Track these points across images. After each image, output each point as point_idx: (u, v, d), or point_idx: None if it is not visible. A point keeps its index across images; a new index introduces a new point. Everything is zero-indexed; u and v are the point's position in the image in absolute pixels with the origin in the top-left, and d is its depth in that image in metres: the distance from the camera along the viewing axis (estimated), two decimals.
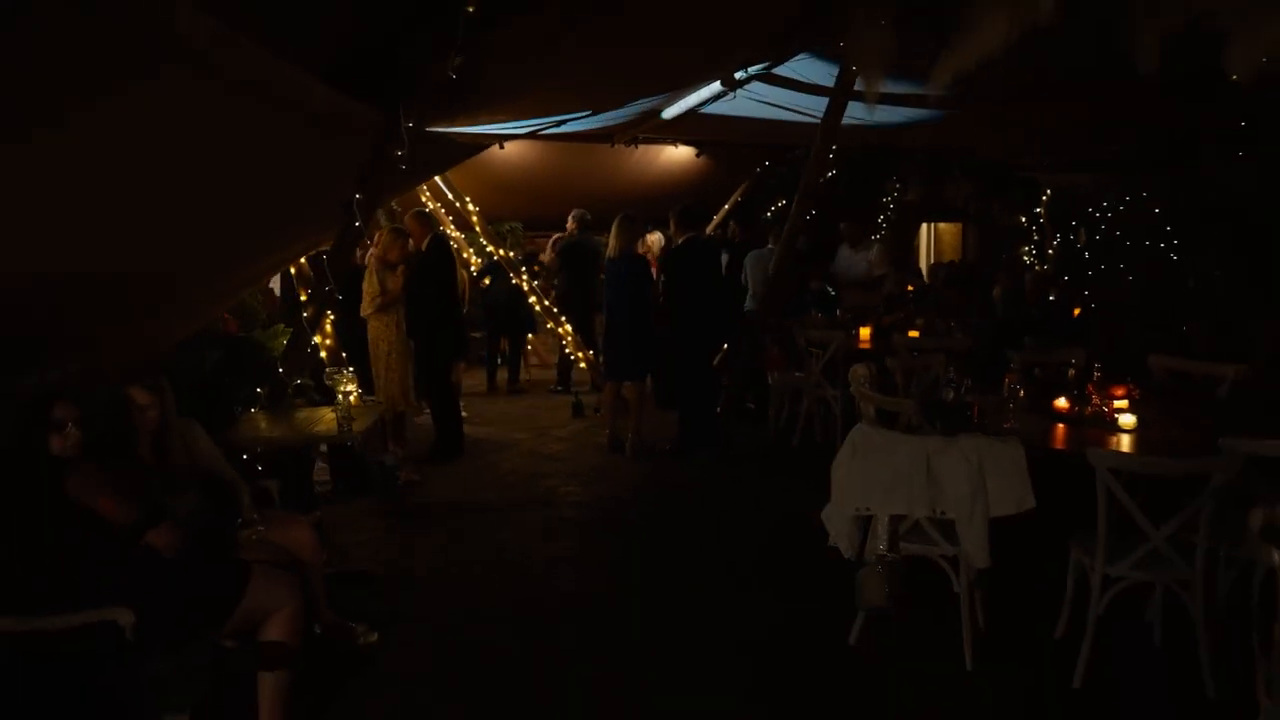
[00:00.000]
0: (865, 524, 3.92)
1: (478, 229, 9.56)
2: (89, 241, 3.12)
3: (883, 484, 3.75)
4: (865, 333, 7.67)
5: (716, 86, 7.36)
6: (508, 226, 11.38)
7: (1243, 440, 3.70)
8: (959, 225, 15.66)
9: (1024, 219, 11.16)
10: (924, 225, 16.62)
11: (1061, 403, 4.68)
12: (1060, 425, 4.47)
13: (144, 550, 2.91)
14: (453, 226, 9.57)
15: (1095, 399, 4.66)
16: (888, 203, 13.73)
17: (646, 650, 4.10)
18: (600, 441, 7.81)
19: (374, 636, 4.01)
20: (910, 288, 11.18)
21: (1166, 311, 7.08)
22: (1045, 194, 9.39)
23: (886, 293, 10.42)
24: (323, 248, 6.02)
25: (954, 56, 2.71)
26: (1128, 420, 4.35)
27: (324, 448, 6.01)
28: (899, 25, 2.78)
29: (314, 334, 5.41)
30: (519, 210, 11.54)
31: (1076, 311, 8.82)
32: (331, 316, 6.18)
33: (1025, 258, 10.73)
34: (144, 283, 3.58)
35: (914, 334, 7.67)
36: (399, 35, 4.07)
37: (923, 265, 15.02)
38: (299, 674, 3.21)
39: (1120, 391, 4.67)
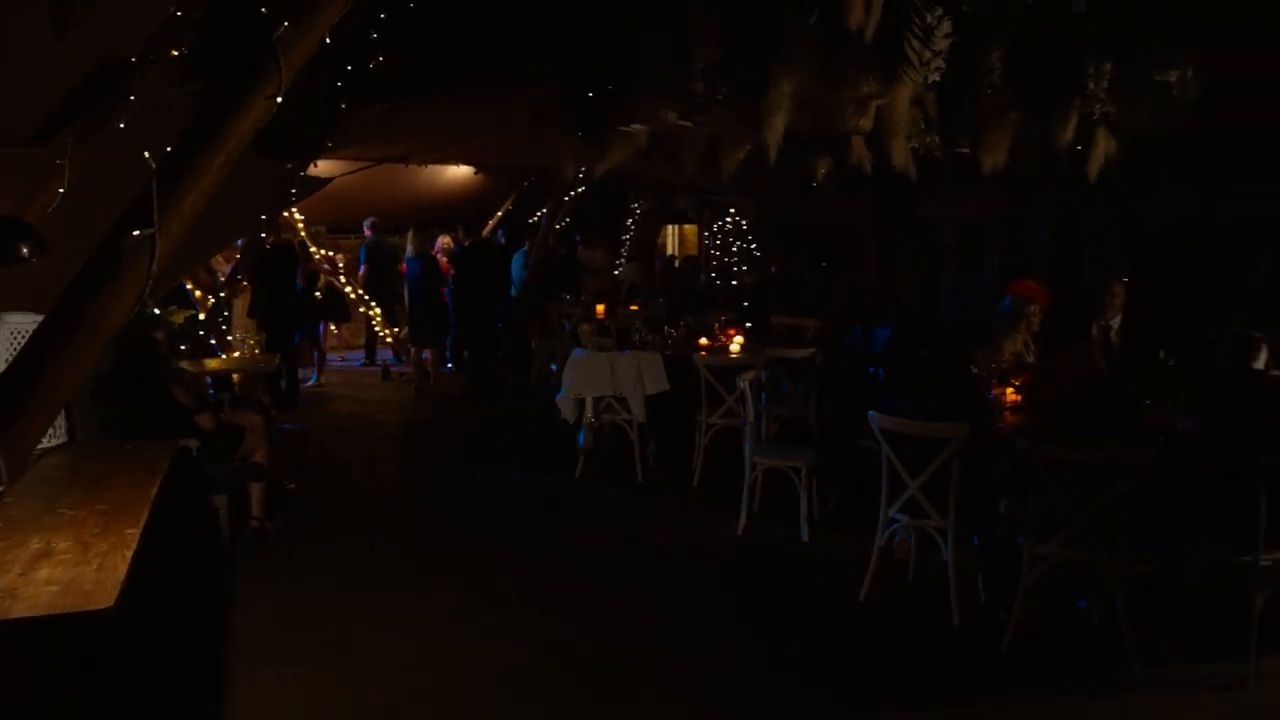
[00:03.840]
0: (580, 404, 7.00)
1: (303, 233, 11.88)
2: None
3: (588, 378, 6.85)
4: (600, 308, 10.84)
5: None
6: (314, 229, 13.64)
7: (773, 349, 7.10)
8: (696, 226, 19.21)
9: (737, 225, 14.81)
10: (669, 226, 20.24)
11: (703, 340, 7.99)
12: (702, 351, 7.71)
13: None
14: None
15: (722, 337, 8.00)
16: (635, 208, 17.13)
17: (444, 488, 7.03)
18: (408, 395, 10.53)
19: (293, 485, 6.63)
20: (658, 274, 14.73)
21: (788, 291, 10.74)
22: (729, 211, 12.96)
23: (631, 282, 13.82)
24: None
25: (604, 162, 5.72)
26: (735, 348, 7.67)
27: None
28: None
29: (226, 309, 7.92)
30: (325, 216, 13.79)
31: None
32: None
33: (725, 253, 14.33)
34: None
35: (634, 307, 10.95)
36: (301, 120, 6.72)
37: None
38: (269, 486, 5.86)
39: (733, 332, 8.03)
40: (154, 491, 3.83)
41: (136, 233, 2.00)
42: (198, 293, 8.63)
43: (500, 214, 15.21)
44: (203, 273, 9.09)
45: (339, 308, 12.18)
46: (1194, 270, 7.94)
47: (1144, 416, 4.70)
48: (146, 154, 2.05)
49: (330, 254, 12.17)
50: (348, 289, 12.22)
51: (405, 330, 11.88)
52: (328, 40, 2.82)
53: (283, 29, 2.30)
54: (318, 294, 11.09)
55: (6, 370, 1.96)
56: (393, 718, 3.77)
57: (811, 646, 4.40)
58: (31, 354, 2.03)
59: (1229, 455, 3.89)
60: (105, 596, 2.65)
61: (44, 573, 2.86)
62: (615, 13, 5.13)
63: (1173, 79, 4.76)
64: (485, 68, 6.14)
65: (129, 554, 3.00)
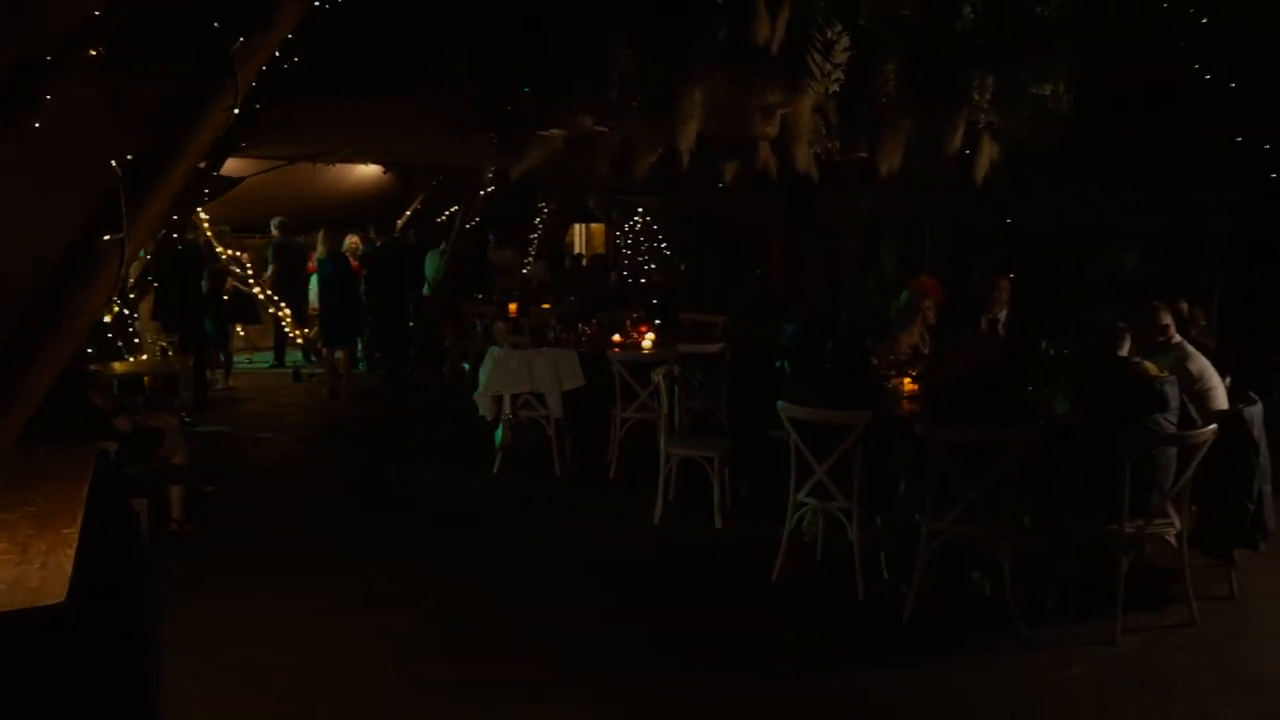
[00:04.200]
0: (498, 401, 7.15)
1: (208, 233, 11.68)
2: None
3: (506, 376, 7.00)
4: (513, 307, 10.97)
5: None
6: (218, 228, 13.38)
7: (684, 345, 7.37)
8: (603, 225, 19.47)
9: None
10: (577, 225, 20.43)
11: (616, 337, 8.22)
12: (615, 348, 7.94)
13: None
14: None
15: (634, 334, 8.25)
16: (541, 207, 17.27)
17: (361, 488, 7.11)
18: (321, 396, 10.49)
19: (211, 488, 6.62)
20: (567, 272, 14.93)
21: (697, 286, 11.10)
22: (638, 211, 13.25)
23: (540, 281, 13.96)
24: None
25: (521, 165, 5.90)
26: (647, 344, 7.93)
27: None
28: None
29: (135, 312, 7.82)
30: (229, 215, 13.54)
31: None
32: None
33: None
34: None
35: (546, 306, 11.13)
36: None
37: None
38: (187, 488, 5.86)
39: (644, 329, 8.29)
40: (84, 492, 3.87)
41: (108, 237, 2.11)
42: None
43: (409, 213, 15.20)
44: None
45: (248, 309, 12.04)
46: (1070, 267, 8.56)
47: (1027, 402, 5.11)
48: (114, 162, 2.15)
49: (237, 254, 12.00)
50: (256, 290, 12.06)
51: (315, 330, 11.80)
52: None
53: (239, 44, 2.42)
54: (225, 296, 10.95)
55: None
56: (312, 714, 3.86)
57: (727, 624, 4.67)
58: (11, 353, 2.12)
59: (1098, 434, 4.29)
60: (54, 593, 2.73)
61: None
62: (532, 20, 5.31)
63: (1047, 92, 5.22)
64: (402, 69, 6.24)
65: (71, 552, 3.06)
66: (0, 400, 1.99)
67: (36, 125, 4.11)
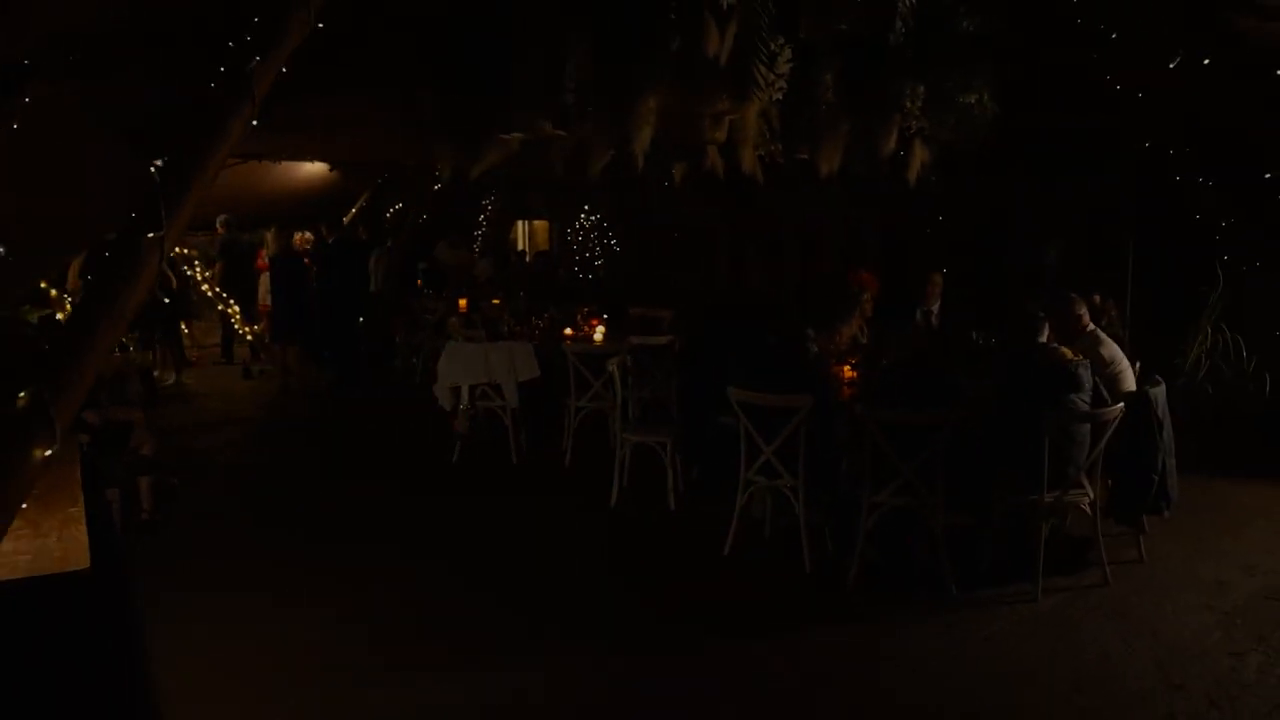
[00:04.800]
0: (456, 392, 7.41)
1: None
2: None
3: (463, 368, 7.27)
4: (463, 302, 11.18)
5: None
6: None
7: (635, 337, 7.70)
8: (547, 222, 19.68)
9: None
10: (520, 222, 20.63)
11: (568, 330, 8.52)
12: (566, 340, 8.23)
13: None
14: None
15: (585, 327, 8.56)
16: (485, 205, 17.46)
17: (321, 479, 7.31)
18: (273, 392, 10.60)
19: (176, 481, 6.76)
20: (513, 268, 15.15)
21: (644, 283, 11.47)
22: (584, 208, 13.55)
23: (488, 277, 14.20)
24: None
25: (479, 165, 6.17)
26: (598, 336, 8.24)
27: None
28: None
29: None
30: None
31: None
32: None
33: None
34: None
35: (496, 301, 11.36)
36: (171, 119, 6.84)
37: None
38: (155, 480, 6.02)
39: (595, 322, 8.60)
40: (78, 475, 4.05)
41: (150, 235, 2.36)
42: (53, 291, 8.51)
43: (354, 210, 15.28)
44: (73, 275, 8.95)
45: (194, 306, 12.07)
46: (997, 263, 9.10)
47: (957, 385, 5.53)
48: (153, 168, 2.40)
49: (182, 252, 12.01)
50: (204, 287, 12.08)
51: (264, 326, 11.87)
52: None
53: (255, 63, 2.67)
54: (166, 300, 10.97)
55: (50, 353, 2.29)
56: (282, 694, 4.02)
57: (682, 594, 5.01)
58: (66, 342, 2.35)
59: (1020, 414, 4.73)
60: (78, 560, 2.95)
61: (8, 547, 3.10)
62: (493, 25, 5.58)
63: (972, 100, 5.67)
64: (363, 68, 6.44)
65: (83, 526, 3.27)
66: (58, 387, 2.22)
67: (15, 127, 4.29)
